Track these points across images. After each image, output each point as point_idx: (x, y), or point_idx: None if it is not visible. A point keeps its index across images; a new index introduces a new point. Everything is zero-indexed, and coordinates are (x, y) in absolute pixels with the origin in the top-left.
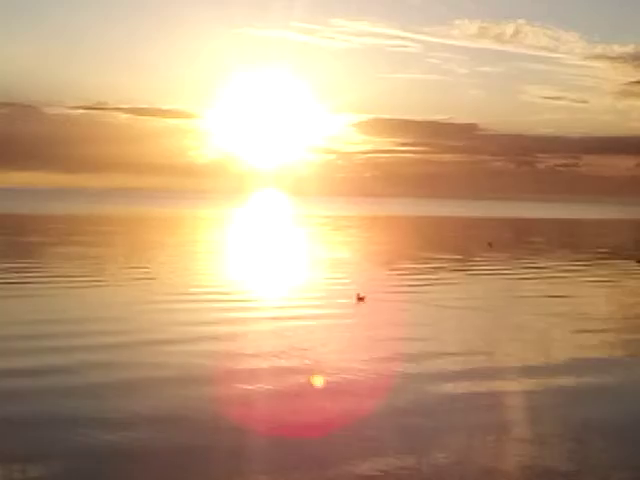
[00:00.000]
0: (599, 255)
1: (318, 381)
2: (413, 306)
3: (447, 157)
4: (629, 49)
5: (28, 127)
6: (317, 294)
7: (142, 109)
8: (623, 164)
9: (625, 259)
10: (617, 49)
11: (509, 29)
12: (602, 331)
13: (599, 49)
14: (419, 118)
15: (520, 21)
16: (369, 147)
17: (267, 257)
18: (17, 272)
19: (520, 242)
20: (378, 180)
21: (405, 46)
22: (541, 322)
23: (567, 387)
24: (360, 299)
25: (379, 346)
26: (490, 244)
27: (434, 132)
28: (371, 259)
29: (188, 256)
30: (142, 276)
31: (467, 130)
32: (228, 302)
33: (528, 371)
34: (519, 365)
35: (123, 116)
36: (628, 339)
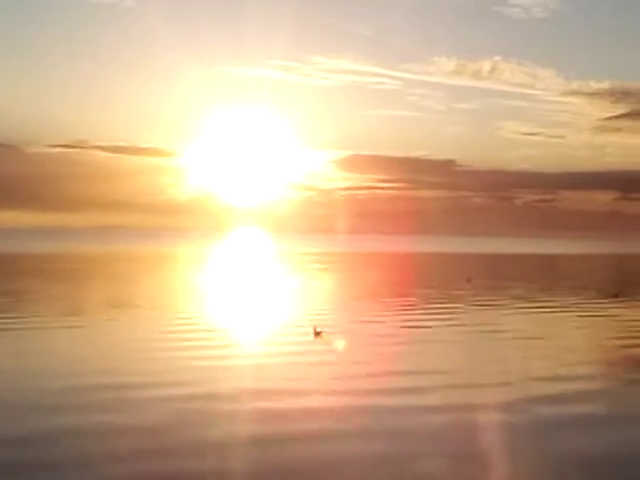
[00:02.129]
0: (575, 289)
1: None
2: (371, 340)
3: (426, 193)
4: (605, 85)
5: (7, 167)
6: (278, 330)
7: (121, 147)
8: (600, 199)
9: (602, 294)
10: (593, 85)
11: (486, 66)
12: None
13: (575, 85)
14: (398, 154)
15: (496, 58)
16: (348, 184)
17: (237, 294)
18: None
19: (499, 278)
20: (358, 216)
21: (384, 83)
22: (513, 357)
23: (547, 418)
24: (317, 334)
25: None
26: (469, 280)
27: (413, 168)
28: (341, 294)
29: (161, 294)
30: (113, 320)
31: (446, 166)
32: (186, 341)
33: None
34: (488, 401)
35: (102, 154)
36: (609, 371)
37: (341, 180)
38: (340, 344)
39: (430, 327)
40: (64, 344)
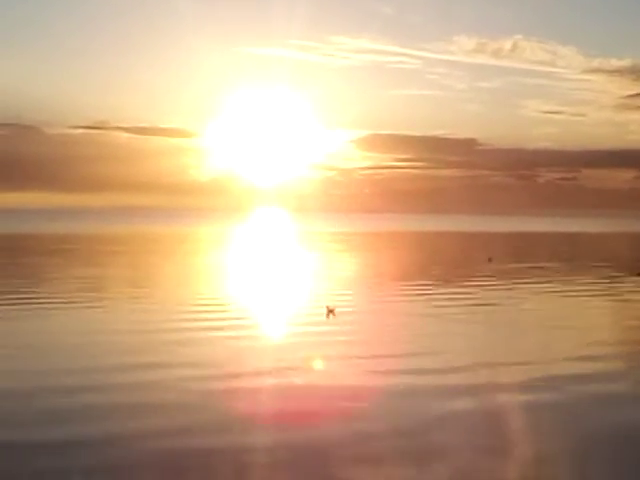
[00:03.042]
0: (599, 268)
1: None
2: (381, 320)
3: (447, 172)
4: (626, 63)
5: (28, 147)
6: (293, 308)
7: (142, 128)
8: (622, 177)
9: (626, 272)
10: (614, 63)
11: (507, 44)
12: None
13: (596, 63)
14: (418, 133)
15: (517, 36)
16: (369, 163)
17: (257, 273)
18: (13, 294)
19: (521, 257)
20: (378, 196)
21: (404, 62)
22: (545, 335)
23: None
24: (330, 312)
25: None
26: (490, 259)
27: (433, 147)
28: (359, 274)
29: (181, 274)
30: (137, 298)
31: (466, 145)
32: (210, 320)
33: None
34: (516, 381)
35: (123, 135)
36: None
37: (361, 160)
38: (351, 322)
39: (447, 307)
40: (78, 324)
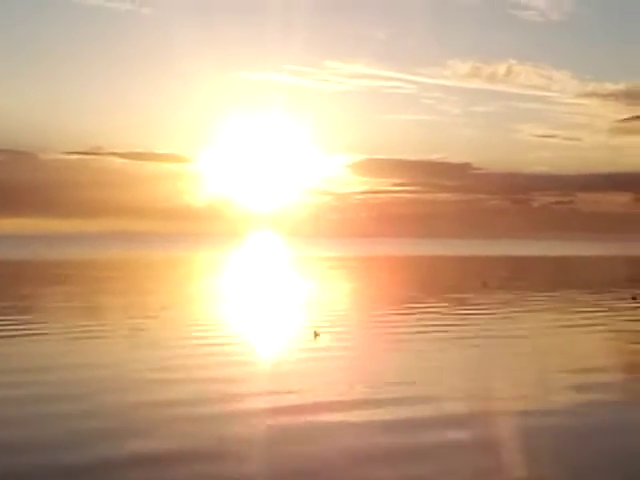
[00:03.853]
0: (594, 291)
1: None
2: (368, 343)
3: (442, 196)
4: (621, 87)
5: (23, 173)
6: (282, 332)
7: (137, 153)
8: (618, 200)
9: (620, 295)
10: (609, 87)
11: (501, 69)
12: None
13: (591, 87)
14: (414, 158)
15: (512, 61)
16: (364, 188)
17: (252, 298)
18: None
19: (516, 281)
20: (373, 220)
21: (399, 87)
22: (532, 361)
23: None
24: (316, 335)
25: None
26: (484, 284)
27: (429, 172)
28: (354, 298)
29: (177, 300)
30: (133, 327)
31: (461, 169)
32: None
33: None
34: (503, 409)
35: (118, 161)
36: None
37: (357, 184)
38: (336, 345)
39: (437, 332)
40: (80, 355)
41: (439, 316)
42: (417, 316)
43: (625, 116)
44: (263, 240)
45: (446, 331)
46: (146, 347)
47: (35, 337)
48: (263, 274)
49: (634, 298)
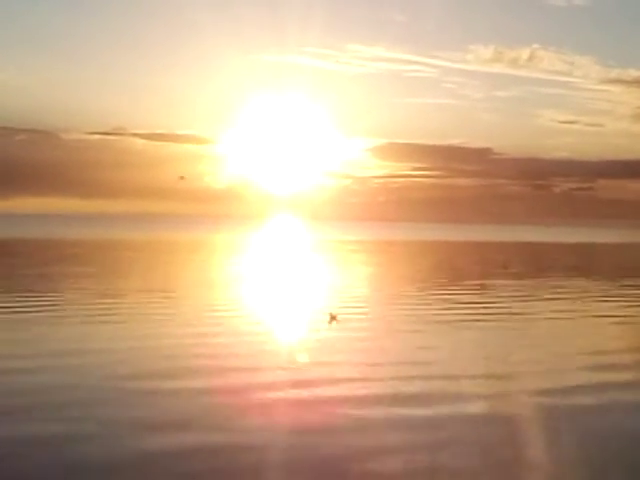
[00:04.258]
0: (613, 277)
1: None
2: (384, 327)
3: (462, 181)
4: None
5: (45, 153)
6: (299, 315)
7: (158, 134)
8: (638, 187)
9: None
10: (632, 73)
11: (524, 54)
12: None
13: (614, 73)
14: (434, 142)
15: (535, 45)
16: (384, 172)
17: (271, 281)
18: (25, 302)
19: (536, 266)
20: (393, 204)
21: (420, 71)
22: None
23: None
24: (333, 318)
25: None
26: (505, 266)
27: (449, 156)
28: (373, 282)
29: (196, 281)
30: (155, 306)
31: (482, 154)
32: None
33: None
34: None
35: (139, 141)
36: None
37: (377, 168)
38: (353, 329)
39: (453, 314)
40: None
41: (461, 299)
42: (437, 299)
43: None
44: (282, 223)
45: (468, 314)
46: (167, 328)
47: (41, 319)
48: (282, 257)
49: None
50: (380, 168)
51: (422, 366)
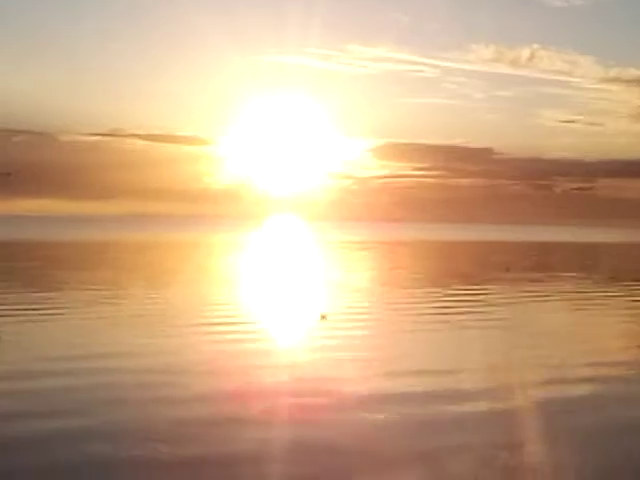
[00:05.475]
0: (614, 278)
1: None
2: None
3: (463, 181)
4: None
5: (43, 154)
6: (290, 314)
7: (157, 135)
8: (639, 187)
9: None
10: (633, 72)
11: (524, 53)
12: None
13: (614, 73)
14: (435, 143)
15: (535, 45)
16: (386, 172)
17: (268, 280)
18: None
19: (538, 267)
20: (394, 205)
21: (422, 71)
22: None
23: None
24: (322, 317)
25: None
26: (507, 269)
27: (450, 156)
28: (371, 282)
29: (193, 280)
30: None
31: (483, 154)
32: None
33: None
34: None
35: (138, 142)
36: None
37: (378, 168)
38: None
39: (450, 314)
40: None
41: (461, 299)
42: (435, 299)
43: None
44: (283, 223)
45: (468, 314)
46: (151, 332)
47: (49, 318)
48: (281, 257)
49: None
50: (381, 168)
51: (411, 366)
